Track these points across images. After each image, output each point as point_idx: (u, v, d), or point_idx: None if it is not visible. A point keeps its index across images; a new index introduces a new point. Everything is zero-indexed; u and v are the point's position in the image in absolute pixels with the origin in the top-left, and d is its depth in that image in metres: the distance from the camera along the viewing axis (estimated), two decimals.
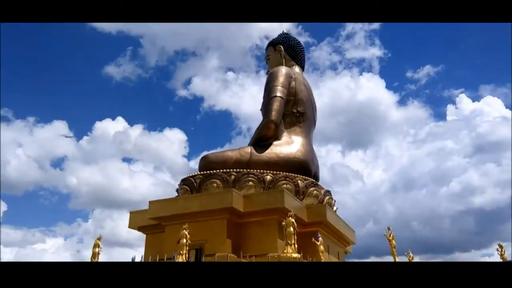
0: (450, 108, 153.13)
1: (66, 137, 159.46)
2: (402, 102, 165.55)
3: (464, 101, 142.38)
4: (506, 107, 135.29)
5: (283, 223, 24.28)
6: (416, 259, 27.67)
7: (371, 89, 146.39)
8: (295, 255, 22.67)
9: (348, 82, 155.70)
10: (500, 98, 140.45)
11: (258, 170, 34.15)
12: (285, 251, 23.11)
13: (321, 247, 26.48)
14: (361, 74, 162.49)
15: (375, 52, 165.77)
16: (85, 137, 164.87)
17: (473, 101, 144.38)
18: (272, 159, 35.65)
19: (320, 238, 26.70)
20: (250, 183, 33.14)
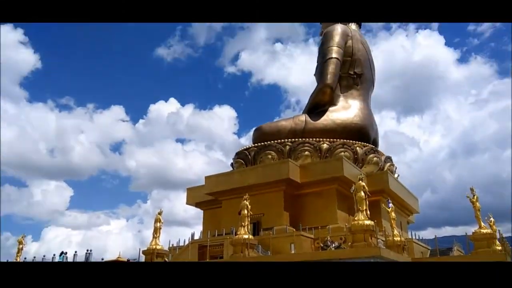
0: None
1: (123, 121, 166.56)
2: (463, 59, 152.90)
3: None
4: None
5: (352, 189, 22.70)
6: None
7: (429, 47, 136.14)
8: (368, 222, 21.01)
9: (403, 42, 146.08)
10: None
11: (314, 139, 32.77)
12: (356, 218, 21.61)
13: (392, 214, 25.02)
14: (417, 31, 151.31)
15: None
16: (140, 120, 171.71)
17: None
18: (329, 126, 33.98)
19: (391, 205, 25.17)
20: (306, 152, 31.96)
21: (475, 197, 24.05)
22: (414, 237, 30.08)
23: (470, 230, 24.35)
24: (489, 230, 23.42)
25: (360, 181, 23.01)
